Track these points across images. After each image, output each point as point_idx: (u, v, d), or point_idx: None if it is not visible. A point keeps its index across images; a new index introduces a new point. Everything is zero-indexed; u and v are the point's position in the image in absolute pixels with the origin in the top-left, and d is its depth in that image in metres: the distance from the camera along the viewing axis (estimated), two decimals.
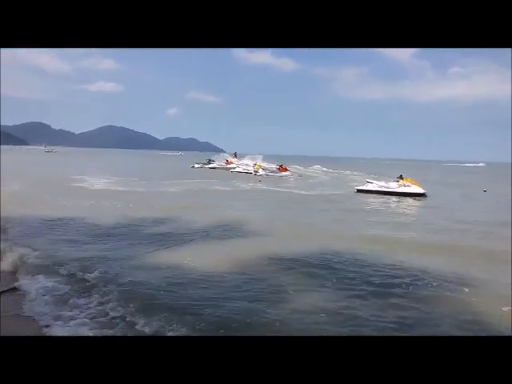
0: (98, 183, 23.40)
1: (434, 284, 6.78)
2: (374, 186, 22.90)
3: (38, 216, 11.88)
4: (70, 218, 11.72)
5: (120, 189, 20.81)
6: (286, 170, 36.24)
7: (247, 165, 40.23)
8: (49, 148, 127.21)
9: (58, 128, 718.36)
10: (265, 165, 37.42)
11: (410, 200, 20.44)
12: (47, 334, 4.68)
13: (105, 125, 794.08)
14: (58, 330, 4.83)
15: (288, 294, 6.25)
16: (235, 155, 51.85)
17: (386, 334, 4.81)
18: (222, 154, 56.06)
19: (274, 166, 36.79)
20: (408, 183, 22.22)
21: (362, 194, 21.95)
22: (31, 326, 5.08)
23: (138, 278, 6.63)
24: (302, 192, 22.50)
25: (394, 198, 20.79)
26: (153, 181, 26.38)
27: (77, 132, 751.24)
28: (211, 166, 44.83)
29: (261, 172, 35.04)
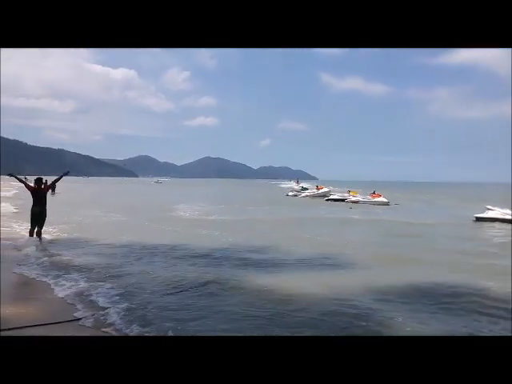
0: (201, 210, 23.76)
1: None
2: (496, 213, 20.30)
3: (143, 243, 12.28)
4: (171, 245, 11.93)
5: (218, 217, 21.01)
6: (379, 195, 34.66)
7: (342, 192, 39.64)
8: (156, 179, 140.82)
9: (163, 161, 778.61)
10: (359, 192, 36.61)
11: None
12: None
13: (203, 156, 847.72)
14: None
15: None
16: (297, 182, 64.75)
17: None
18: (292, 182, 66.70)
19: (367, 195, 35.78)
20: None
21: (482, 222, 19.58)
22: None
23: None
24: (407, 220, 20.45)
25: None
26: (248, 207, 26.98)
27: (179, 164, 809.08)
28: (304, 194, 44.58)
29: (353, 199, 34.51)
